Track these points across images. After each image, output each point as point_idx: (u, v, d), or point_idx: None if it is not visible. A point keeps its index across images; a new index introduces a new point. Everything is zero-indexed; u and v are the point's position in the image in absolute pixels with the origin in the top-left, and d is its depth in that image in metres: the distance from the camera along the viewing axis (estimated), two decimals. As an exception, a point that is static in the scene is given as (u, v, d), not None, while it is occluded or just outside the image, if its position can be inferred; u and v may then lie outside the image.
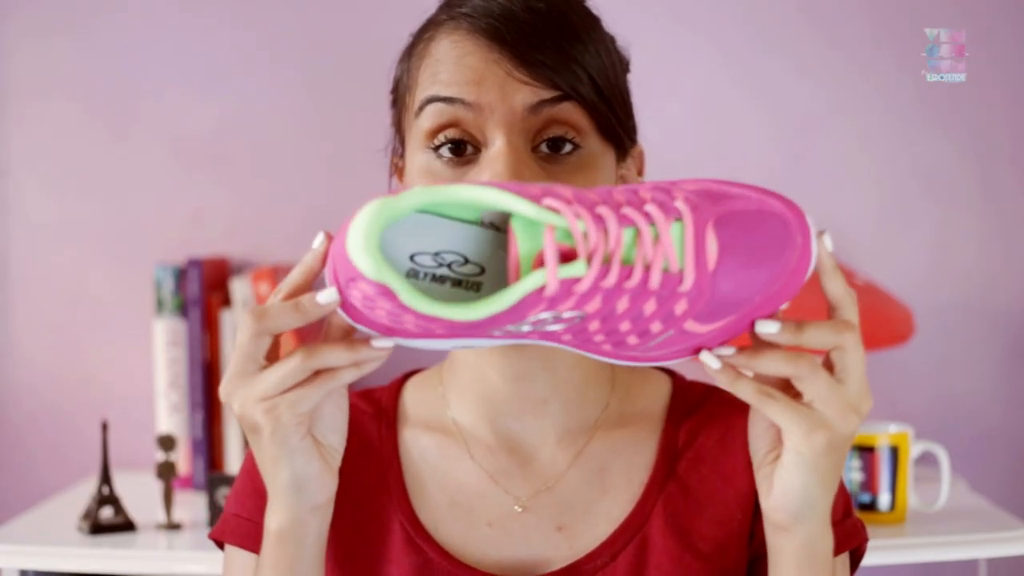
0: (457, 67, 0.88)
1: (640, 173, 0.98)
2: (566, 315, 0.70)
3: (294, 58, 1.80)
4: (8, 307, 1.82)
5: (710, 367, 0.74)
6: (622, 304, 0.70)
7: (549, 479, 0.94)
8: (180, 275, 1.68)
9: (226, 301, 1.69)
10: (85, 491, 1.62)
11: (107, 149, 1.80)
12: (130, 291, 1.78)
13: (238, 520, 0.95)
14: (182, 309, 1.68)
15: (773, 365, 0.74)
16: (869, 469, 1.44)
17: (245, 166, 1.80)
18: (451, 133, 0.87)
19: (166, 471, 1.48)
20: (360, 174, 1.78)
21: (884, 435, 1.45)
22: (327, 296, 0.74)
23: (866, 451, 1.44)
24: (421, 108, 0.89)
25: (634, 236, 0.70)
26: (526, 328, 0.71)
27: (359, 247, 0.69)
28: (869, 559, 1.34)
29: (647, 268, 0.69)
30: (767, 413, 0.75)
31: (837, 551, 0.92)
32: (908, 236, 1.78)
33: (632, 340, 0.72)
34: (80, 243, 1.80)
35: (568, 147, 0.88)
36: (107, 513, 1.46)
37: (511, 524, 0.93)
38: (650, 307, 0.70)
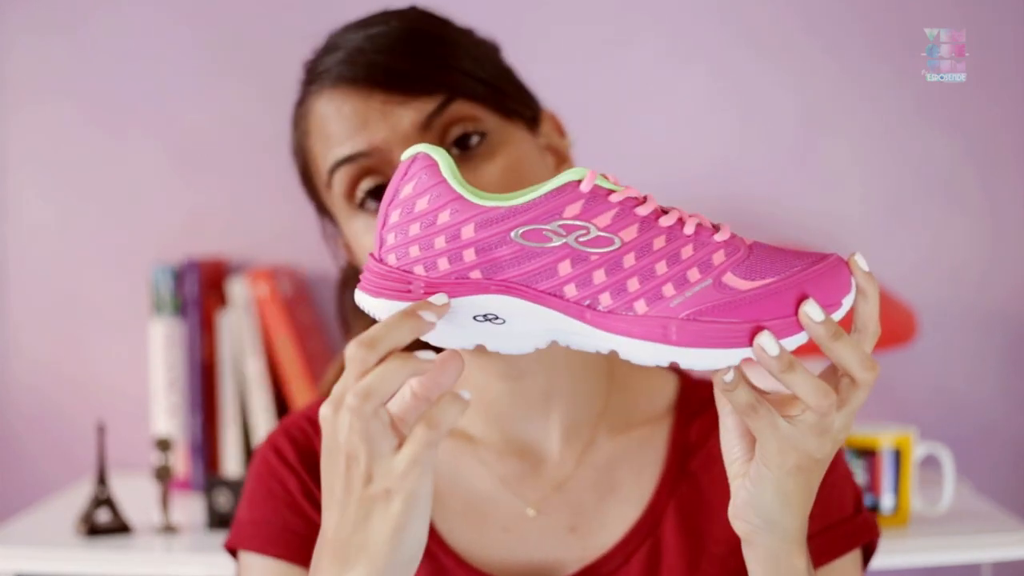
0: (338, 121, 0.90)
1: (562, 135, 0.99)
2: (603, 234, 0.68)
3: (292, 59, 1.79)
4: (5, 308, 1.81)
5: (767, 352, 0.68)
6: (658, 242, 0.68)
7: (558, 480, 0.94)
8: (178, 276, 1.67)
9: (224, 302, 1.68)
10: (82, 493, 1.61)
11: (104, 150, 1.79)
12: (127, 292, 1.77)
13: (255, 526, 0.94)
14: (180, 310, 1.67)
15: (802, 387, 0.69)
16: (872, 471, 1.43)
17: (243, 167, 1.79)
18: (366, 185, 0.89)
19: (163, 473, 1.47)
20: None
21: (887, 437, 1.44)
22: (439, 298, 0.70)
23: (869, 453, 1.44)
24: (330, 178, 0.91)
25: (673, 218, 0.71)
26: (556, 239, 0.68)
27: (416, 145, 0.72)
28: (873, 562, 1.34)
29: (681, 219, 0.70)
30: (750, 422, 0.71)
31: (847, 547, 0.92)
32: (910, 237, 1.78)
33: (668, 290, 0.68)
34: (78, 244, 1.79)
35: (475, 139, 0.89)
36: (103, 515, 1.45)
37: (525, 528, 0.92)
38: (687, 251, 0.69)
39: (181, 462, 1.66)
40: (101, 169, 1.79)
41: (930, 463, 1.57)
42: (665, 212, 0.70)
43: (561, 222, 0.68)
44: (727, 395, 0.70)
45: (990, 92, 1.76)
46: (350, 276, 1.08)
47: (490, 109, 0.90)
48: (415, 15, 0.95)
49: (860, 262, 0.70)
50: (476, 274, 0.69)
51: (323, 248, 1.83)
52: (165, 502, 1.47)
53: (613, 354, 0.70)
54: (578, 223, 0.68)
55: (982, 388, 1.78)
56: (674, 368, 0.98)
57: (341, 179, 0.90)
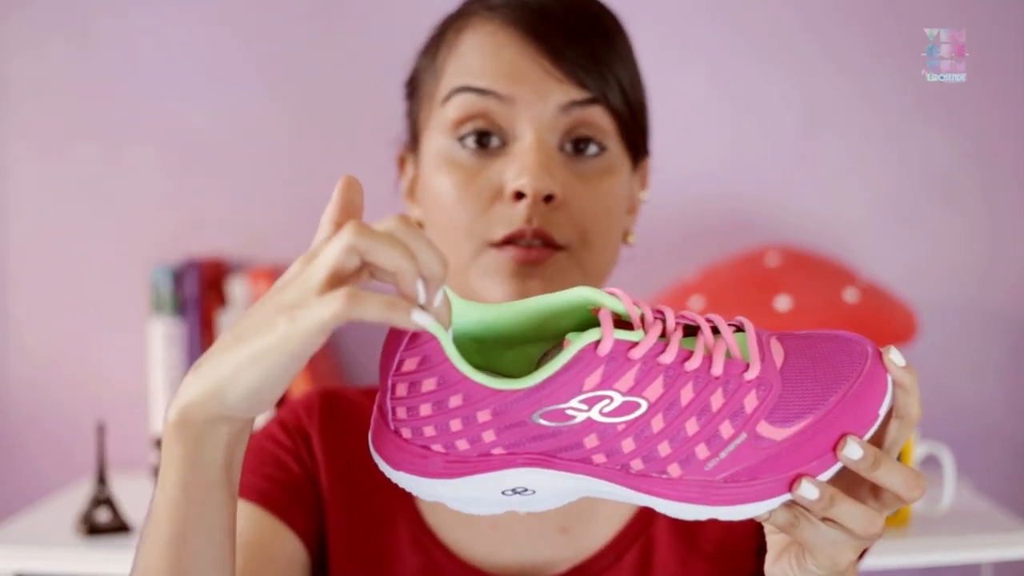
0: (492, 59, 0.87)
1: (643, 187, 0.98)
2: (628, 399, 0.63)
3: (291, 60, 1.79)
4: (6, 307, 1.81)
5: (806, 498, 0.66)
6: (686, 394, 0.64)
7: None
8: (177, 276, 1.67)
9: (223, 302, 1.68)
10: (82, 492, 1.61)
11: (105, 150, 1.79)
12: (127, 291, 1.77)
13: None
14: (179, 309, 1.67)
15: (847, 517, 0.66)
16: (872, 471, 1.43)
17: (242, 167, 1.79)
18: (479, 124, 0.87)
19: (163, 473, 1.47)
20: (357, 175, 1.78)
21: (887, 436, 1.43)
22: (422, 318, 0.59)
23: (869, 453, 1.43)
24: (449, 96, 0.88)
25: (694, 331, 0.67)
26: (579, 416, 0.63)
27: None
28: (873, 562, 1.34)
29: (709, 355, 0.65)
30: (792, 536, 0.69)
31: None
32: (910, 236, 1.78)
33: (702, 451, 0.64)
34: (78, 244, 1.79)
35: (593, 148, 0.88)
36: (103, 515, 1.45)
37: (513, 526, 0.92)
38: (717, 400, 0.64)
39: (181, 462, 1.66)
40: (101, 169, 1.79)
41: (930, 463, 1.57)
42: (688, 332, 0.66)
43: (582, 397, 0.63)
44: (763, 522, 0.69)
45: (990, 92, 1.76)
46: None
47: (618, 130, 0.89)
48: (599, 3, 0.93)
49: (896, 359, 0.67)
50: (499, 451, 0.64)
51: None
52: (165, 502, 1.47)
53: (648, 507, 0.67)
54: (600, 393, 0.63)
55: (982, 388, 1.78)
56: None
57: (461, 103, 0.87)
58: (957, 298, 1.78)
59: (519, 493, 0.66)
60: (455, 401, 0.63)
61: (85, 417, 1.75)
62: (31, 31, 1.79)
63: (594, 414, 0.63)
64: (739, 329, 0.68)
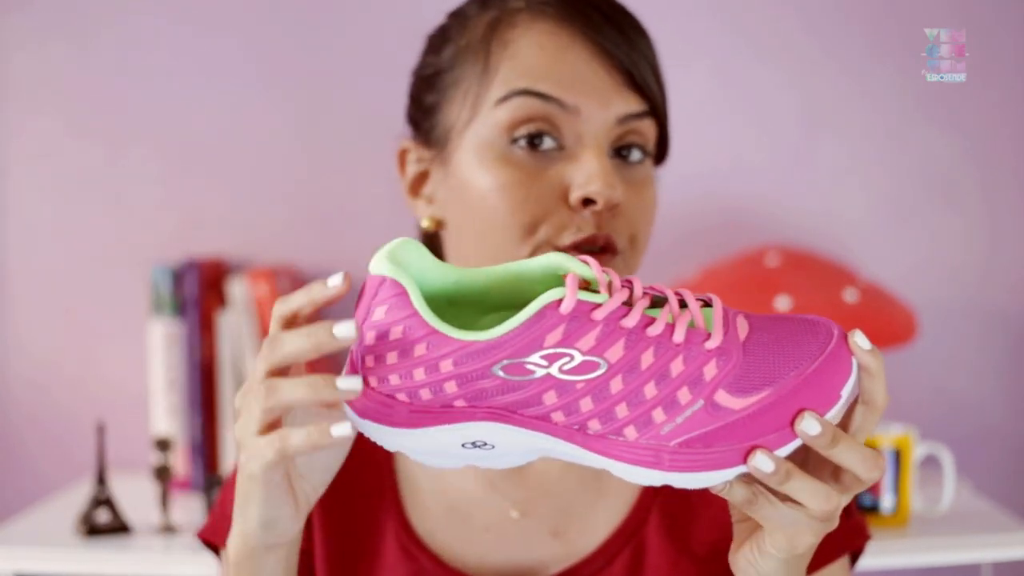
0: (555, 62, 0.85)
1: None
2: (588, 358, 0.65)
3: (290, 61, 1.79)
4: (6, 308, 1.81)
5: (761, 470, 0.66)
6: (647, 358, 0.65)
7: (545, 484, 0.93)
8: (177, 276, 1.67)
9: (223, 302, 1.68)
10: (82, 492, 1.61)
11: (104, 150, 1.79)
12: (127, 292, 1.77)
13: (226, 520, 0.94)
14: (179, 310, 1.67)
15: (803, 494, 0.66)
16: (872, 471, 1.43)
17: (242, 167, 1.79)
18: (538, 126, 0.85)
19: (163, 473, 1.47)
20: (357, 175, 1.78)
21: (887, 437, 1.44)
22: (344, 329, 0.66)
23: (869, 453, 1.44)
24: (507, 97, 0.85)
25: (662, 302, 0.68)
26: (538, 371, 0.65)
27: (382, 257, 0.66)
28: (873, 562, 1.34)
29: (672, 323, 0.66)
30: (750, 513, 0.69)
31: (838, 553, 0.92)
32: (910, 236, 1.78)
33: (659, 416, 0.65)
34: (78, 244, 1.79)
35: (638, 155, 0.88)
36: (103, 515, 1.45)
37: (508, 530, 0.92)
38: (677, 366, 0.65)
39: (181, 462, 1.66)
40: (101, 170, 1.79)
41: (930, 463, 1.57)
42: (654, 304, 0.67)
43: (543, 352, 0.65)
44: (720, 494, 0.69)
45: (990, 92, 1.76)
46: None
47: (657, 139, 0.90)
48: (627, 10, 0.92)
49: (861, 342, 0.66)
50: (460, 403, 0.67)
51: (322, 247, 1.84)
52: (165, 502, 1.47)
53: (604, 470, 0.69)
54: (561, 351, 0.64)
55: (982, 388, 1.78)
56: None
57: (519, 105, 0.85)
58: (957, 298, 1.78)
59: (479, 447, 0.68)
60: (419, 350, 0.65)
61: (85, 417, 1.75)
62: (31, 30, 1.79)
63: (554, 370, 0.65)
64: (707, 304, 0.69)
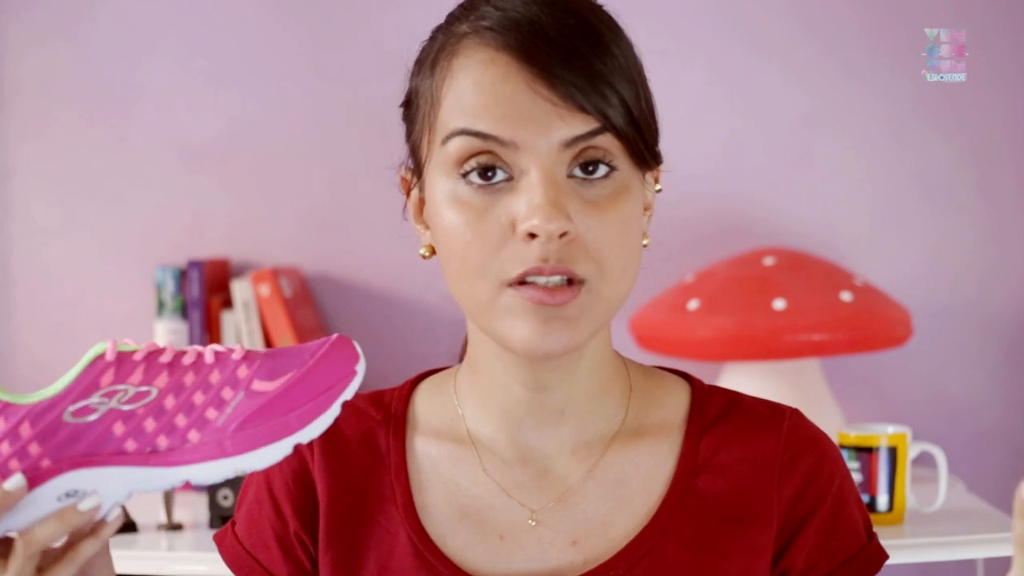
0: (490, 97, 0.83)
1: (656, 180, 0.93)
2: (140, 389, 0.77)
3: (295, 63, 1.80)
4: (10, 308, 1.82)
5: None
6: (189, 378, 0.78)
7: (564, 491, 0.92)
8: (181, 276, 1.68)
9: (227, 302, 1.69)
10: (87, 491, 1.62)
11: (109, 152, 1.80)
12: (131, 292, 1.78)
13: (240, 549, 0.95)
14: (183, 310, 1.68)
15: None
16: (867, 470, 1.44)
17: (246, 168, 1.80)
18: (482, 160, 0.83)
19: (167, 472, 1.48)
20: (359, 177, 1.79)
21: (883, 436, 1.45)
22: (14, 481, 0.75)
23: (864, 452, 1.44)
24: (449, 137, 0.84)
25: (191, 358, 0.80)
26: (102, 407, 0.76)
27: None
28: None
29: (200, 354, 0.79)
30: None
31: (865, 574, 0.92)
32: (906, 238, 1.78)
33: (211, 413, 0.77)
34: (82, 245, 1.81)
35: (603, 170, 0.85)
36: (108, 513, 1.46)
37: (524, 537, 0.91)
38: (215, 377, 0.78)
39: (185, 460, 1.67)
40: (106, 171, 1.81)
41: (924, 462, 1.58)
42: (184, 353, 0.80)
43: (101, 391, 0.76)
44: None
45: (990, 92, 1.76)
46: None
47: (626, 151, 0.85)
48: (594, 6, 0.89)
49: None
50: (46, 462, 0.76)
51: (324, 249, 1.85)
52: (169, 500, 1.48)
53: (186, 483, 0.79)
54: (116, 387, 0.77)
55: (975, 389, 1.79)
56: (683, 375, 0.97)
57: (461, 145, 0.83)
58: (953, 300, 1.78)
59: (73, 496, 0.77)
60: (1, 426, 0.76)
61: (91, 416, 1.76)
62: (36, 32, 1.80)
63: (114, 403, 0.77)
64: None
